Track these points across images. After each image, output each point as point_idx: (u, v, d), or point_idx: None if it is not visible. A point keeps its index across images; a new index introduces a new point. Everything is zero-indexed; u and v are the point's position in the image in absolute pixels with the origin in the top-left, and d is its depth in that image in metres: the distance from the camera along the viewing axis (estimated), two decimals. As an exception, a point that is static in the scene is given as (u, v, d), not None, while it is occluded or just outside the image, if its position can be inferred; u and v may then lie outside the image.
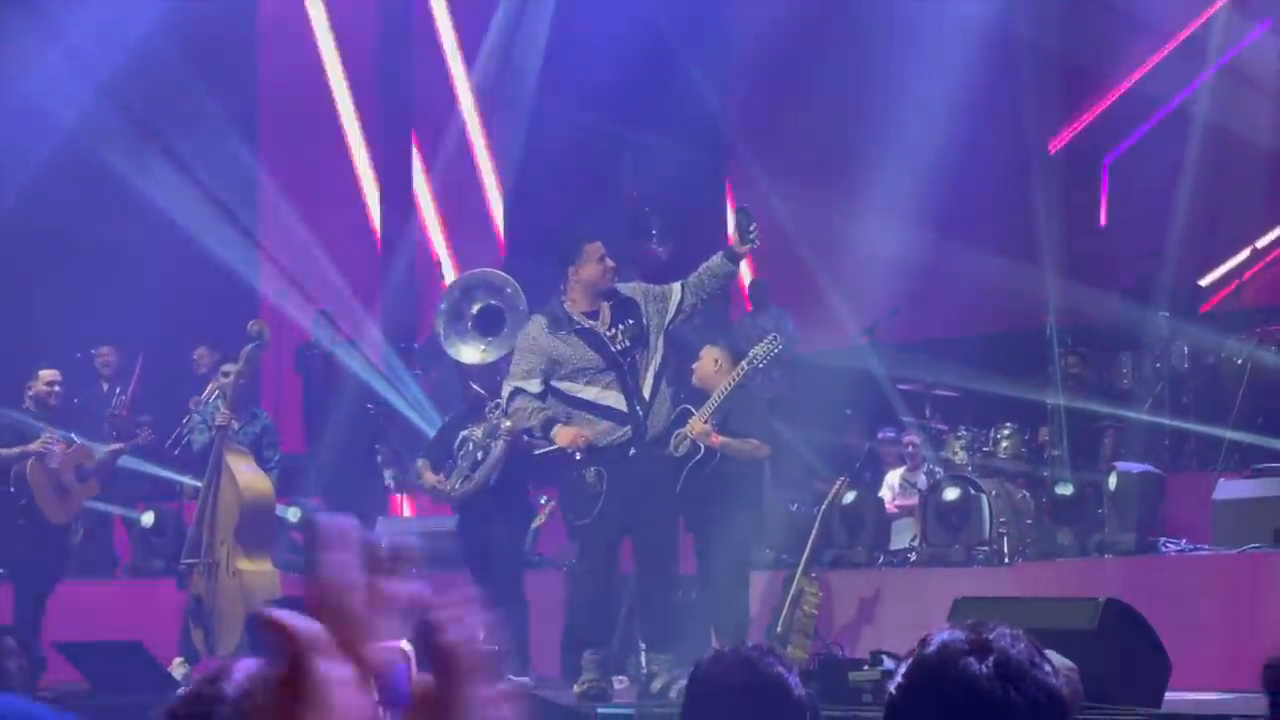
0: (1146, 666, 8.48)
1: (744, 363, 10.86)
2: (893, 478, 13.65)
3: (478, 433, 11.76)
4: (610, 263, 10.46)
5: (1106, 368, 13.86)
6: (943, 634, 2.73)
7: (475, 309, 11.80)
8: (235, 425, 12.48)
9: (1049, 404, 13.06)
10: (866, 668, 9.49)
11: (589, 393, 10.25)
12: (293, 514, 14.27)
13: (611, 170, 16.72)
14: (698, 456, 10.62)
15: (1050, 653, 2.76)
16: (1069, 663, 4.00)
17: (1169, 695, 8.63)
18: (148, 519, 14.27)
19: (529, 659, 11.42)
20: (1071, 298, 14.06)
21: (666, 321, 10.41)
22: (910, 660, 2.74)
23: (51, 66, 15.61)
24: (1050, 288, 13.73)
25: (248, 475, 12.20)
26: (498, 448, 11.59)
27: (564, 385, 10.31)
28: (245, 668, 2.25)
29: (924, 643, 2.75)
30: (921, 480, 13.16)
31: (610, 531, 10.32)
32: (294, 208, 16.28)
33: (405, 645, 1.87)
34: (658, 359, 10.37)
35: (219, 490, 12.14)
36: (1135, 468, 11.97)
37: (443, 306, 12.01)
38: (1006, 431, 13.12)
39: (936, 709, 2.68)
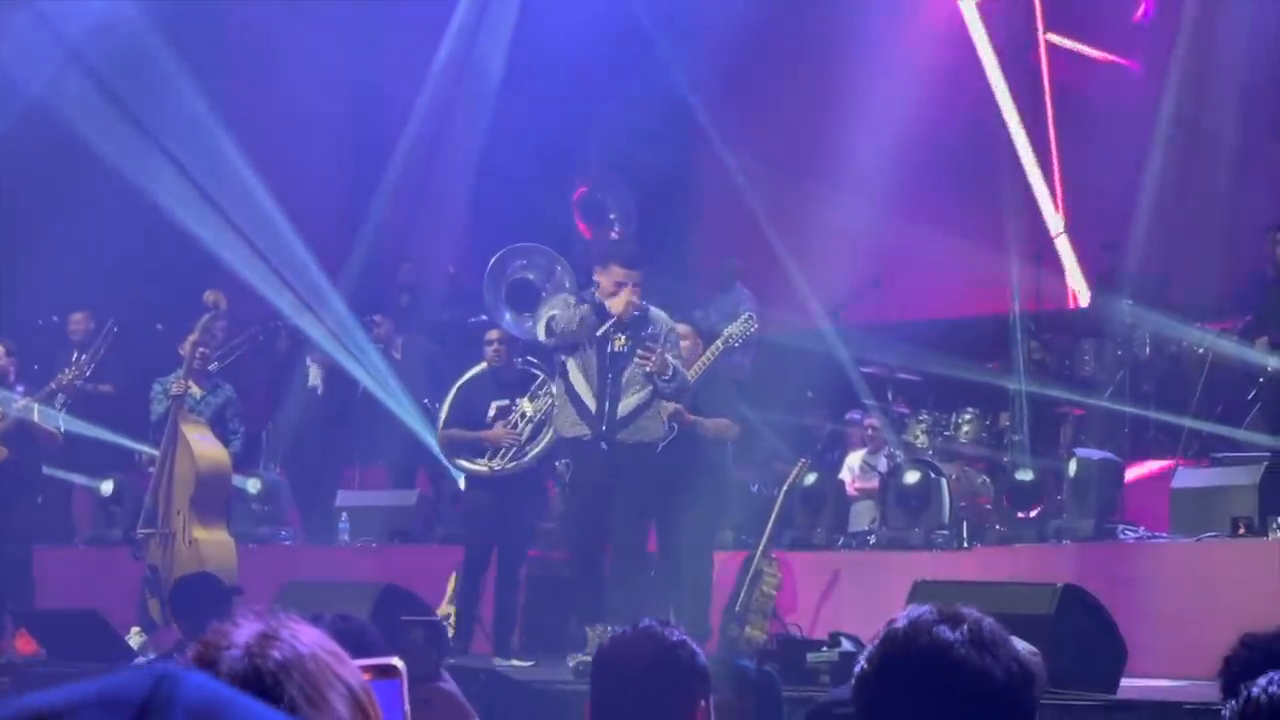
0: (1103, 652, 8.53)
1: (719, 341, 10.81)
2: (853, 460, 13.66)
3: (528, 408, 11.52)
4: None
5: (1068, 354, 13.90)
6: (909, 611, 2.71)
7: (511, 279, 11.24)
8: (196, 394, 12.43)
9: (1010, 389, 13.08)
10: (825, 649, 9.51)
11: (578, 383, 10.16)
12: (253, 485, 14.24)
13: (578, 147, 16.68)
14: (670, 437, 10.58)
15: (1013, 638, 2.75)
16: (1031, 647, 4.00)
17: (1124, 681, 8.69)
18: (106, 488, 14.20)
19: (512, 638, 11.42)
20: (1035, 283, 14.08)
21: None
22: (879, 636, 2.71)
23: (19, 32, 15.49)
24: (1014, 273, 13.74)
25: (202, 445, 12.14)
26: (551, 432, 11.20)
27: (571, 368, 10.20)
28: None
29: (891, 621, 2.73)
30: (882, 463, 13.17)
31: (586, 519, 10.30)
32: (260, 178, 16.16)
33: (397, 662, 1.68)
34: (646, 389, 10.24)
35: (174, 460, 12.09)
36: (1095, 454, 11.99)
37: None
38: (968, 416, 13.15)
39: (910, 677, 2.63)
